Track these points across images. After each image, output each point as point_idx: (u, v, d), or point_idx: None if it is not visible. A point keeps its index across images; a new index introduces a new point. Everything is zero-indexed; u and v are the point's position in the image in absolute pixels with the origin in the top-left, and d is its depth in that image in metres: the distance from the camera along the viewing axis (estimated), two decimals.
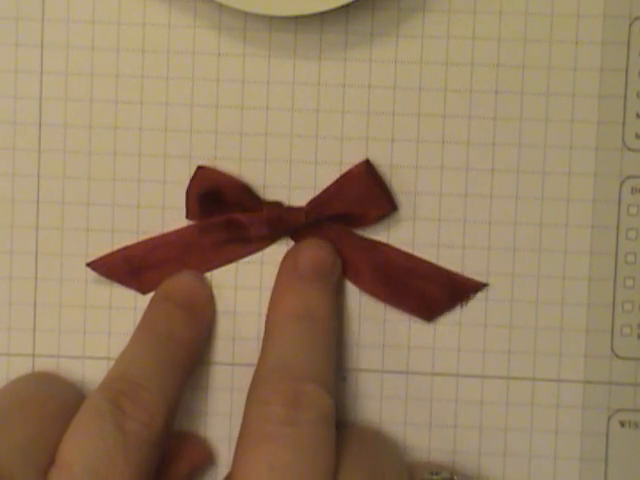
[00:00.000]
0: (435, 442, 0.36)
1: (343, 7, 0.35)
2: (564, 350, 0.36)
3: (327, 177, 0.36)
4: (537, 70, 0.35)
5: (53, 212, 0.36)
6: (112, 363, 0.33)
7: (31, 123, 0.36)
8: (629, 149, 0.35)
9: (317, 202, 0.35)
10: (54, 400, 0.33)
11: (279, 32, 0.36)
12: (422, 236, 0.36)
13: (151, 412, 0.31)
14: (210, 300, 0.36)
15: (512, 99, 0.35)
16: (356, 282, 0.36)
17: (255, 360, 0.33)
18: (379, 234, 0.36)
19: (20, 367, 0.36)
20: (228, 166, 0.36)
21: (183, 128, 0.36)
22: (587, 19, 0.35)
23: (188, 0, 0.36)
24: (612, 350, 0.36)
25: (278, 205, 0.35)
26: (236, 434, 0.31)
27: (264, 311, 0.35)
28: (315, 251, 0.35)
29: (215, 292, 0.36)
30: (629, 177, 0.35)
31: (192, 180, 0.35)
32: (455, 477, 0.34)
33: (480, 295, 0.36)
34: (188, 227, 0.36)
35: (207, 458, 0.36)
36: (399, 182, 0.36)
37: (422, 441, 0.36)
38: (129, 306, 0.36)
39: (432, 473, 0.34)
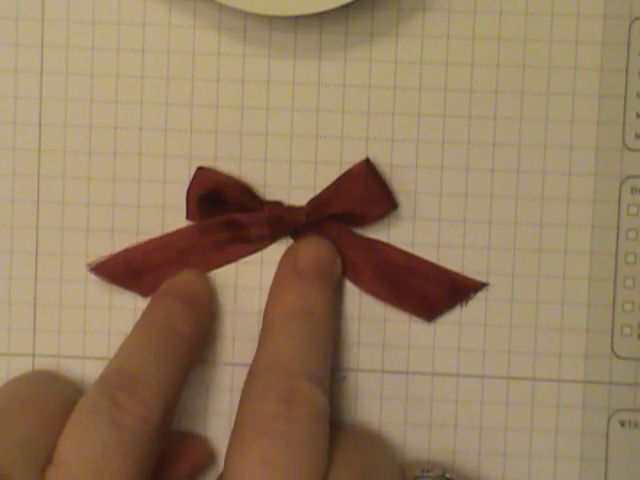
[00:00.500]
0: (435, 442, 0.36)
1: (343, 7, 0.35)
2: (564, 350, 0.36)
3: (327, 177, 0.36)
4: (537, 70, 0.35)
5: (53, 212, 0.36)
6: (105, 367, 0.33)
7: (31, 123, 0.36)
8: (629, 149, 0.35)
9: (317, 202, 0.35)
10: (54, 399, 0.33)
11: (279, 32, 0.36)
12: (422, 236, 0.36)
13: (149, 406, 0.31)
14: (211, 294, 0.36)
15: (512, 99, 0.35)
16: (356, 281, 0.36)
17: None
18: (379, 233, 0.36)
19: (20, 367, 0.36)
20: (228, 166, 0.36)
21: (183, 128, 0.36)
22: (587, 19, 0.35)
23: (188, 0, 0.36)
24: (612, 350, 0.36)
25: (278, 205, 0.35)
26: None
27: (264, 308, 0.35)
28: (315, 249, 0.35)
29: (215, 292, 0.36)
30: (629, 177, 0.35)
31: (192, 181, 0.35)
32: (447, 474, 0.34)
33: (480, 295, 0.36)
34: (188, 228, 0.36)
35: (208, 458, 0.36)
36: (399, 182, 0.36)
37: (422, 441, 0.36)
38: (129, 306, 0.36)
39: (424, 471, 0.34)
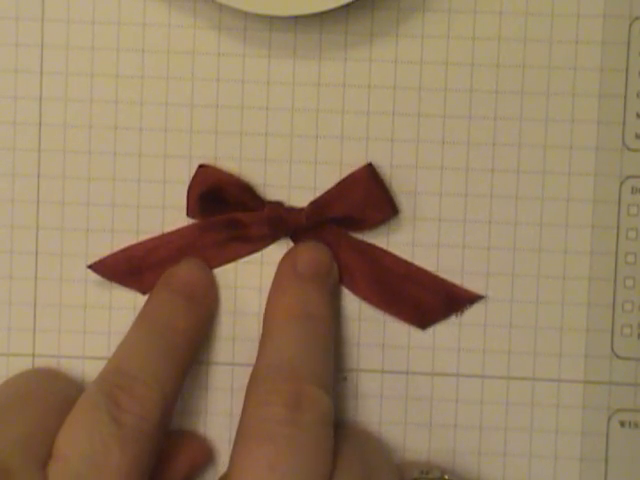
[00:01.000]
0: (435, 442, 0.36)
1: (343, 7, 0.35)
2: (564, 350, 0.36)
3: (327, 177, 0.36)
4: (537, 70, 0.35)
5: (53, 212, 0.36)
6: (105, 365, 0.33)
7: (31, 123, 0.36)
8: (629, 149, 0.35)
9: (318, 204, 0.35)
10: (55, 395, 0.33)
11: (279, 32, 0.36)
12: (422, 236, 0.36)
13: (147, 405, 0.31)
14: (212, 288, 0.36)
15: (512, 99, 0.35)
16: (351, 287, 0.36)
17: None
18: (379, 234, 0.36)
19: (20, 367, 0.36)
20: (228, 166, 0.36)
21: (183, 128, 0.36)
22: (587, 19, 0.35)
23: (188, 0, 0.36)
24: (612, 350, 0.36)
25: (279, 205, 0.35)
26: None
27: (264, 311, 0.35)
28: (313, 253, 0.35)
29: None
30: (629, 177, 0.35)
31: (194, 178, 0.35)
32: (446, 476, 0.34)
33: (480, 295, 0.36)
34: (188, 227, 0.36)
35: (207, 457, 0.36)
36: (399, 182, 0.36)
37: (422, 441, 0.36)
38: (129, 306, 0.36)
39: (422, 472, 0.34)
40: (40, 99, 0.36)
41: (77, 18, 0.36)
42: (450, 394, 0.36)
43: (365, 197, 0.35)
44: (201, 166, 0.36)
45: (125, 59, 0.36)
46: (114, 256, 0.36)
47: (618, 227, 0.36)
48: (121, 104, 0.36)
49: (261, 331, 0.34)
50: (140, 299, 0.36)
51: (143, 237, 0.36)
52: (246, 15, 0.35)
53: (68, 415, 0.31)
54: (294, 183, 0.36)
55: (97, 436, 0.30)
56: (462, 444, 0.36)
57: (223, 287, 0.36)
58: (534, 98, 0.35)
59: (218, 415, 0.36)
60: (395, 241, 0.36)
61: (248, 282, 0.36)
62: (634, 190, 0.35)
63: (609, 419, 0.36)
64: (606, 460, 0.36)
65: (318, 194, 0.36)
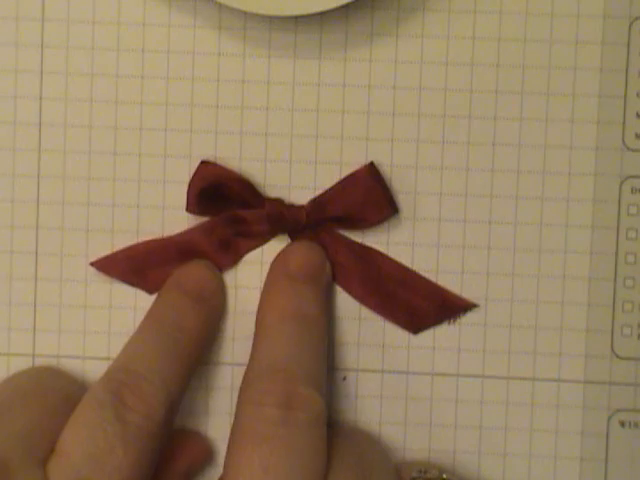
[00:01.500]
0: (435, 442, 0.36)
1: (343, 7, 0.35)
2: (564, 350, 0.36)
3: (327, 177, 0.36)
4: (537, 70, 0.35)
5: (53, 212, 0.36)
6: (112, 363, 0.33)
7: (31, 123, 0.36)
8: (629, 149, 0.35)
9: (319, 201, 0.35)
10: (56, 393, 0.33)
11: (279, 32, 0.36)
12: (422, 236, 0.36)
13: (152, 404, 0.31)
14: (220, 290, 0.36)
15: (512, 99, 0.35)
16: (346, 288, 0.36)
17: None
18: (379, 234, 0.36)
19: (20, 367, 0.36)
20: (228, 166, 0.36)
21: (183, 128, 0.36)
22: (587, 19, 0.35)
23: (188, 0, 0.36)
24: (612, 350, 0.36)
25: (279, 202, 0.35)
26: None
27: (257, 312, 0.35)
28: (305, 253, 0.35)
29: None
30: (629, 177, 0.35)
31: (195, 174, 0.35)
32: (444, 475, 0.34)
33: (480, 295, 0.36)
34: (193, 228, 0.36)
35: (207, 455, 0.36)
36: (399, 182, 0.36)
37: (422, 441, 0.36)
38: (129, 306, 0.36)
39: (421, 472, 0.34)
40: (40, 99, 0.36)
41: (77, 18, 0.36)
42: (450, 394, 0.36)
43: (366, 196, 0.35)
44: (203, 162, 0.35)
45: (125, 59, 0.36)
46: (117, 255, 0.36)
47: (618, 227, 0.36)
48: (121, 104, 0.36)
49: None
50: (140, 299, 0.36)
51: (143, 237, 0.36)
52: (246, 15, 0.35)
53: (73, 412, 0.31)
54: (294, 183, 0.36)
55: (101, 434, 0.30)
56: (462, 444, 0.36)
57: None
58: (534, 98, 0.35)
59: (218, 415, 0.36)
60: (395, 241, 0.36)
61: (248, 282, 0.36)
62: (634, 190, 0.35)
63: (609, 419, 0.36)
64: (606, 460, 0.36)
65: (318, 194, 0.36)
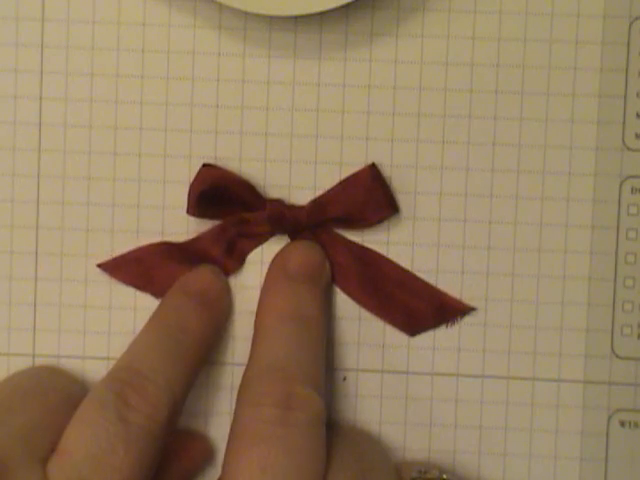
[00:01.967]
0: (435, 442, 0.36)
1: (343, 7, 0.35)
2: (564, 350, 0.36)
3: (327, 177, 0.36)
4: (537, 70, 0.35)
5: (53, 212, 0.36)
6: (112, 363, 0.33)
7: (31, 123, 0.36)
8: (629, 149, 0.35)
9: (319, 202, 0.35)
10: (56, 392, 0.33)
11: (279, 32, 0.36)
12: (422, 236, 0.36)
13: (155, 405, 0.31)
14: (226, 294, 0.36)
15: (512, 99, 0.35)
16: (344, 289, 0.36)
17: None
18: (379, 233, 0.36)
19: (20, 367, 0.36)
20: (228, 166, 0.36)
21: (183, 128, 0.36)
22: (587, 19, 0.35)
23: (188, 0, 0.36)
24: (612, 350, 0.36)
25: (280, 202, 0.35)
26: None
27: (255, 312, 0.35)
28: (304, 253, 0.35)
29: None
30: (629, 177, 0.35)
31: (196, 177, 0.35)
32: (444, 475, 0.34)
33: (480, 295, 0.36)
34: (201, 236, 0.36)
35: (207, 455, 0.36)
36: (399, 182, 0.36)
37: (422, 441, 0.36)
38: (129, 306, 0.36)
39: (421, 472, 0.34)
40: (40, 99, 0.36)
41: (77, 18, 0.36)
42: (450, 394, 0.36)
43: (367, 197, 0.35)
44: (205, 165, 0.35)
45: (125, 59, 0.36)
46: (124, 257, 0.36)
47: (618, 227, 0.36)
48: (121, 104, 0.36)
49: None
50: (140, 299, 0.36)
51: (143, 237, 0.36)
52: (246, 15, 0.35)
53: (75, 411, 0.31)
54: (294, 183, 0.36)
55: (103, 434, 0.30)
56: (462, 444, 0.36)
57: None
58: (534, 98, 0.35)
59: (218, 415, 0.36)
60: (395, 241, 0.36)
61: (248, 282, 0.36)
62: (634, 190, 0.35)
63: (609, 419, 0.36)
64: (606, 460, 0.36)
65: (318, 194, 0.36)
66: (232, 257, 0.36)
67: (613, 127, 0.35)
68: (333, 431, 0.34)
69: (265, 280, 0.35)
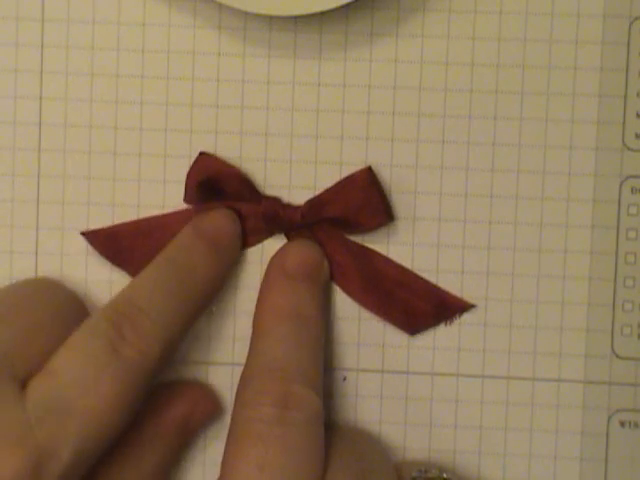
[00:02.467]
0: (435, 442, 0.36)
1: (343, 7, 0.35)
2: (564, 350, 0.36)
3: (327, 177, 0.36)
4: (537, 70, 0.35)
5: (53, 212, 0.36)
6: (117, 294, 0.33)
7: (31, 123, 0.36)
8: (629, 149, 0.35)
9: (315, 202, 0.35)
10: (44, 309, 0.33)
11: (279, 32, 0.36)
12: (422, 236, 0.36)
13: (148, 340, 0.31)
14: (237, 240, 0.35)
15: (512, 99, 0.35)
16: (343, 287, 0.36)
17: None
18: (379, 234, 0.36)
19: None
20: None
21: (183, 128, 0.36)
22: (587, 19, 0.35)
23: (188, 0, 0.36)
24: (612, 350, 0.36)
25: (276, 201, 0.35)
26: None
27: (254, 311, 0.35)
28: (303, 252, 0.35)
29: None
30: (629, 177, 0.35)
31: (193, 165, 0.35)
32: (444, 475, 0.34)
33: (480, 295, 0.36)
34: (186, 210, 0.35)
35: (208, 405, 0.35)
36: (399, 182, 0.36)
37: (422, 441, 0.36)
38: None
39: (421, 471, 0.34)
40: (40, 99, 0.36)
41: (77, 18, 0.36)
42: (450, 394, 0.36)
43: (363, 200, 0.35)
44: (202, 154, 0.35)
45: (125, 59, 0.36)
46: (109, 229, 0.35)
47: (618, 227, 0.36)
48: (121, 104, 0.36)
49: None
50: None
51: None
52: (246, 15, 0.35)
53: (70, 336, 0.31)
54: (294, 183, 0.36)
55: (92, 362, 0.30)
56: (462, 444, 0.36)
57: (223, 287, 0.36)
58: (534, 98, 0.35)
59: (218, 414, 0.36)
60: (395, 241, 0.36)
61: (248, 282, 0.36)
62: (634, 190, 0.35)
63: (609, 419, 0.36)
64: (606, 460, 0.36)
65: (314, 195, 0.36)
66: None
67: (613, 127, 0.35)
68: (333, 431, 0.34)
69: (264, 278, 0.35)
